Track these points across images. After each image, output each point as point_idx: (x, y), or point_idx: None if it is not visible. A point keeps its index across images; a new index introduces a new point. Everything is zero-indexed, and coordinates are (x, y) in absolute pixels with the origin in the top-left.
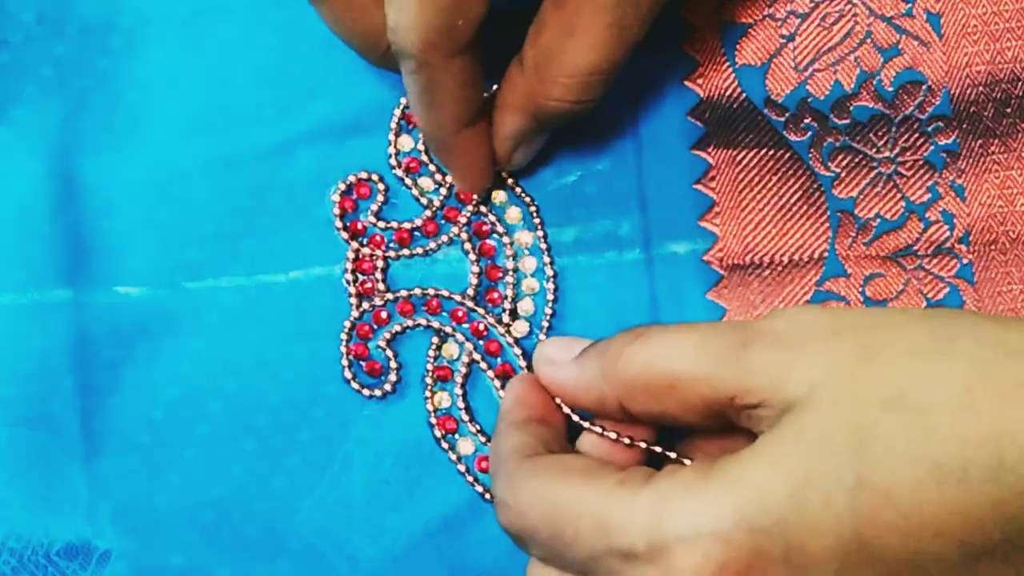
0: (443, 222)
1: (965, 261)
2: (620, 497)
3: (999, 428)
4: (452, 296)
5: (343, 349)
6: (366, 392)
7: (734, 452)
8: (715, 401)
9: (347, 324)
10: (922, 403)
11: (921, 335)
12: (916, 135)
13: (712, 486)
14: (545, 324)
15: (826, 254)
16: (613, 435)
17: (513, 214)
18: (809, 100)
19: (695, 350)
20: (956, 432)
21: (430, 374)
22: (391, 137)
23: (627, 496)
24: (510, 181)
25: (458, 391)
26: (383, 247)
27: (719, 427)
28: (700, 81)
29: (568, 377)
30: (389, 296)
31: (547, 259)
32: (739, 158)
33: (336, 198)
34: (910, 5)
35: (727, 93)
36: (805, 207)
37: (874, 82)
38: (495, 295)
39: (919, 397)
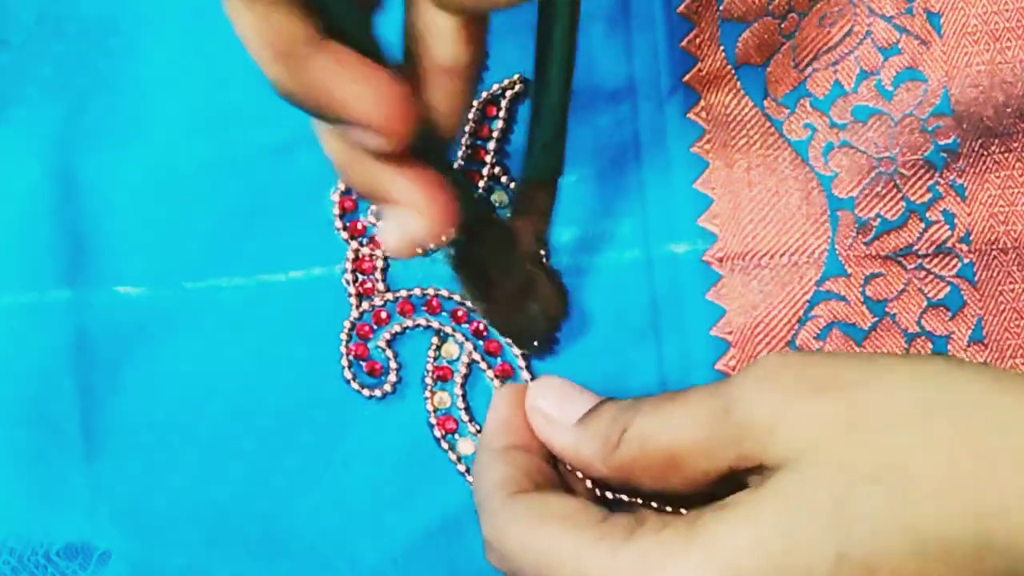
0: None
1: (966, 261)
2: (600, 554)
3: (984, 506)
4: (452, 296)
5: (343, 349)
6: (366, 392)
7: (718, 510)
8: (716, 471)
9: (347, 324)
10: (906, 477)
11: (909, 401)
12: (916, 134)
13: (693, 553)
14: None
15: (826, 254)
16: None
17: None
18: (809, 100)
19: (685, 425)
20: (939, 509)
21: (430, 374)
22: None
23: (607, 555)
24: (512, 184)
25: (458, 391)
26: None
27: (728, 488)
28: (700, 80)
29: (565, 447)
30: (389, 296)
31: (544, 261)
32: (739, 158)
33: (336, 198)
34: (910, 4)
35: (727, 92)
36: (805, 207)
37: (874, 82)
38: None
39: (903, 471)
